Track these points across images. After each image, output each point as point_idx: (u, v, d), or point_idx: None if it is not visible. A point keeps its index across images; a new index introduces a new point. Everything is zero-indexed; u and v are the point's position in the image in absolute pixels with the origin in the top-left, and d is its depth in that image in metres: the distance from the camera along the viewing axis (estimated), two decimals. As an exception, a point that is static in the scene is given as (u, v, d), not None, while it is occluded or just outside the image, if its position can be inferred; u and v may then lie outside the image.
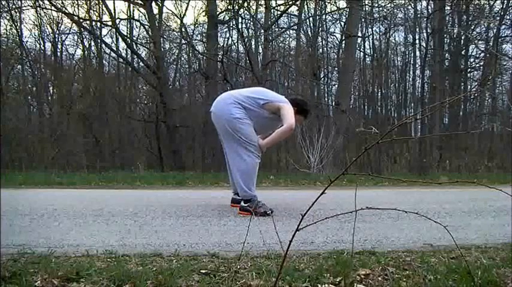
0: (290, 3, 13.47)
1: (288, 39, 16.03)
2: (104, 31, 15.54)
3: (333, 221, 3.02)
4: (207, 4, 13.42)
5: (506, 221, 3.25)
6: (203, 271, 1.92)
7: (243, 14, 13.59)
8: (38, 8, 13.48)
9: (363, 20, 14.27)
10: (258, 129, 3.56)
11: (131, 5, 14.38)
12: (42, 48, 15.37)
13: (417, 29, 15.50)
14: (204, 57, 13.69)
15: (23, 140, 11.83)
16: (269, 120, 3.52)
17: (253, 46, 13.51)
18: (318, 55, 15.13)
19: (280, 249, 2.06)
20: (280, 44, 15.82)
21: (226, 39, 15.62)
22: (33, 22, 19.81)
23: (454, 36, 13.83)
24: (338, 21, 15.80)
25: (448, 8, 13.45)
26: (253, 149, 3.45)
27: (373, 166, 13.22)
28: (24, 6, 13.63)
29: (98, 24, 14.60)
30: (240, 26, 13.73)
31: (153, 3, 13.75)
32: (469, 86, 15.45)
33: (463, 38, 14.02)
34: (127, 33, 15.42)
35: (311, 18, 14.99)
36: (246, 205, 3.43)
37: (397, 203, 4.03)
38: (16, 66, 14.42)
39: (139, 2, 13.71)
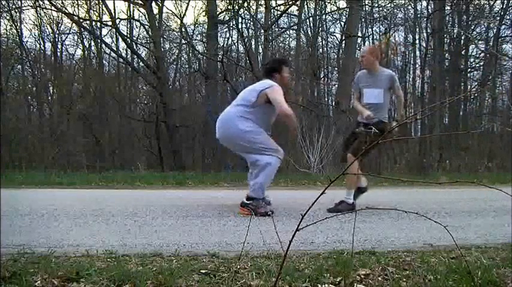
0: (290, 3, 13.46)
1: (288, 39, 16.06)
2: (104, 31, 15.55)
3: (333, 221, 3.02)
4: (207, 4, 13.42)
5: (506, 221, 3.25)
6: (203, 271, 1.92)
7: (243, 14, 13.60)
8: (38, 8, 13.49)
9: (363, 20, 14.26)
10: (266, 126, 3.59)
11: (131, 5, 14.38)
12: (42, 48, 15.40)
13: (417, 29, 15.50)
14: (204, 57, 13.68)
15: (23, 140, 11.84)
16: (269, 109, 3.54)
17: (253, 46, 13.51)
18: (318, 55, 15.12)
19: (280, 249, 2.05)
20: (280, 44, 15.84)
21: (226, 39, 15.65)
22: (33, 22, 19.85)
23: (454, 36, 13.83)
24: (338, 21, 15.81)
25: (448, 8, 13.45)
26: (274, 152, 3.50)
27: (373, 166, 13.20)
28: (24, 6, 13.65)
29: (98, 24, 14.60)
30: (240, 26, 13.75)
31: (153, 3, 13.75)
32: (469, 86, 15.41)
33: (463, 38, 14.02)
34: (127, 33, 15.41)
35: (311, 18, 14.99)
36: (248, 202, 3.45)
37: (397, 203, 4.04)
38: (16, 66, 14.45)
39: (139, 2, 13.70)
